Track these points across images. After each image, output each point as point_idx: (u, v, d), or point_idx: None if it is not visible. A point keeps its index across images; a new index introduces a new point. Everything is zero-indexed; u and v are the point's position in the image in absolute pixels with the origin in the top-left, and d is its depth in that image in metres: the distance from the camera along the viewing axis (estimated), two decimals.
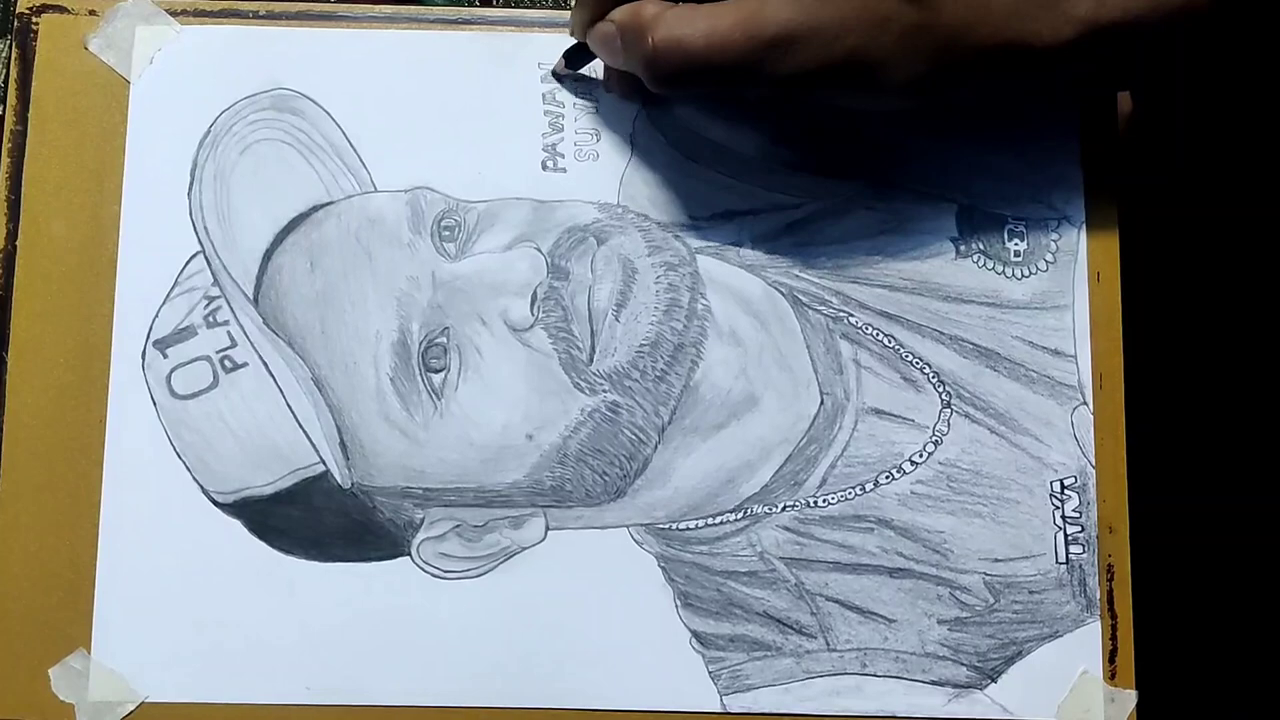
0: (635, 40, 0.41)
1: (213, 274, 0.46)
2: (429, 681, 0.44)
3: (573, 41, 0.46)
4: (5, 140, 0.46)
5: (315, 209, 0.46)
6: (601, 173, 0.47)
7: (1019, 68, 0.40)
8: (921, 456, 0.46)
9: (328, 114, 0.47)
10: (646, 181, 0.47)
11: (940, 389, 0.46)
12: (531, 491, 0.45)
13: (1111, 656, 0.45)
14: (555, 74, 0.47)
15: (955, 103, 0.45)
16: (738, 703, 0.45)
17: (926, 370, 0.46)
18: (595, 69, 0.47)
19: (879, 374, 0.46)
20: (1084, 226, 0.47)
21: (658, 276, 0.46)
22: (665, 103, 0.47)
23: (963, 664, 0.45)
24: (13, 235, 0.46)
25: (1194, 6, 0.39)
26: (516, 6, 0.54)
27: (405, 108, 0.47)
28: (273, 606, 0.44)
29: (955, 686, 0.45)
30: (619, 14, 0.42)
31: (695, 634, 0.45)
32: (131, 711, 0.44)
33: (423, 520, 0.45)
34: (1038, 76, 0.42)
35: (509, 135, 0.47)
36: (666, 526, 0.45)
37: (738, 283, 0.46)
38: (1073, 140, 0.47)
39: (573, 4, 0.44)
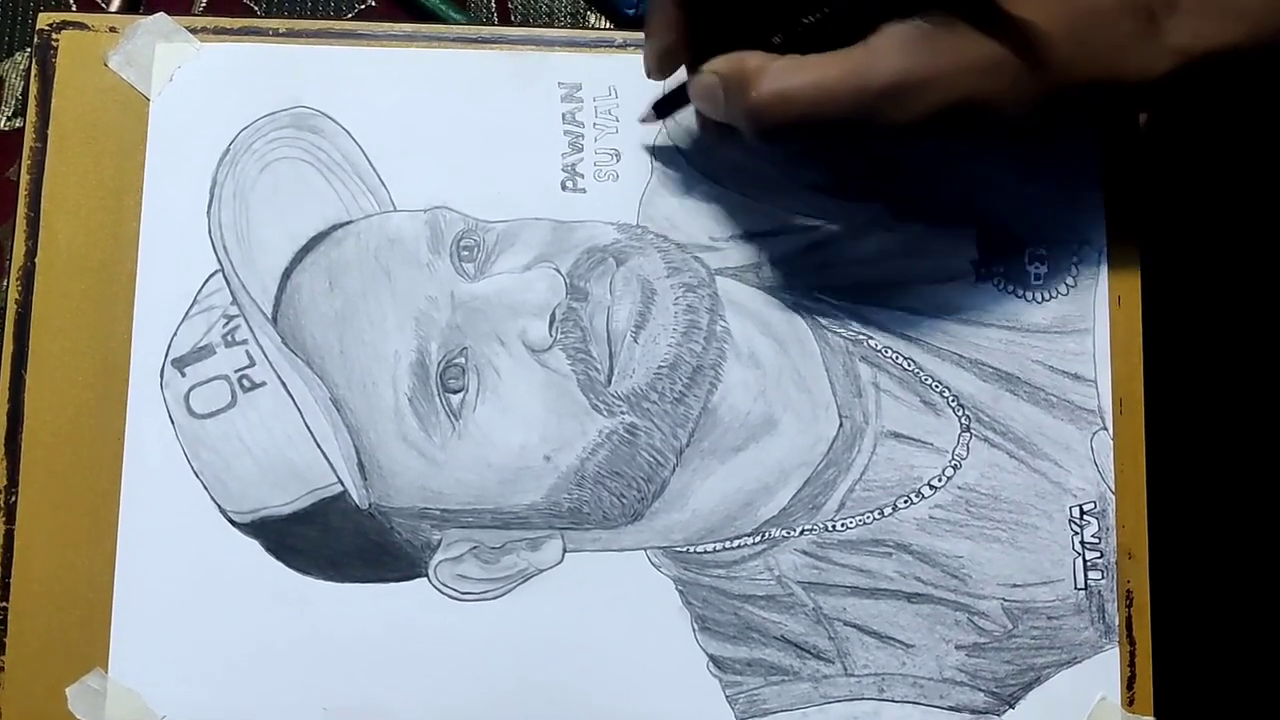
0: (738, 93, 0.40)
1: (231, 293, 0.46)
2: (445, 703, 0.44)
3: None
4: (25, 157, 0.46)
5: (334, 228, 0.46)
6: (621, 193, 0.47)
7: (1122, 99, 0.40)
8: (940, 481, 0.46)
9: (347, 132, 0.47)
10: (666, 202, 0.47)
11: (960, 413, 0.46)
12: (549, 513, 0.45)
13: (1130, 683, 0.45)
14: (642, 120, 0.46)
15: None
16: None
17: (946, 394, 0.46)
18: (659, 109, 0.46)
19: (898, 397, 0.46)
20: (1105, 250, 0.47)
21: (676, 298, 0.46)
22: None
23: (980, 690, 0.45)
24: (32, 252, 0.46)
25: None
26: (536, 25, 0.54)
27: (425, 126, 0.47)
28: (290, 627, 0.44)
29: (973, 712, 0.45)
30: (721, 65, 0.41)
31: (712, 658, 0.45)
32: None
33: (440, 541, 0.45)
34: (1140, 106, 0.42)
35: (529, 155, 0.47)
36: (684, 549, 0.45)
37: (757, 304, 0.46)
38: (1094, 164, 0.47)
39: (645, 36, 0.43)
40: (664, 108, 0.46)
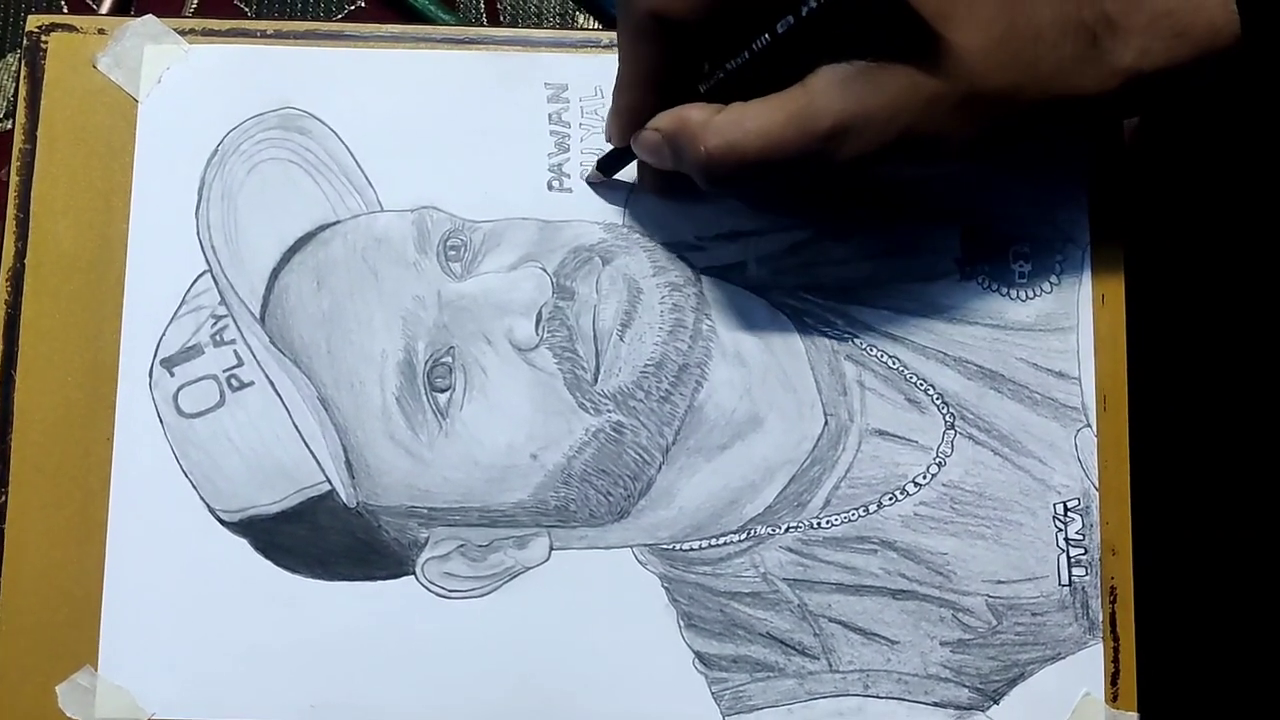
0: (687, 148, 0.40)
1: (220, 293, 0.46)
2: (432, 700, 0.45)
3: (607, 149, 0.46)
4: (14, 158, 0.47)
5: (322, 228, 0.46)
6: (607, 193, 0.47)
7: (1069, 120, 0.40)
8: (925, 478, 0.46)
9: (334, 133, 0.47)
10: (652, 202, 0.47)
11: (944, 410, 0.46)
12: (536, 511, 0.45)
13: (1114, 679, 0.45)
14: (589, 182, 0.47)
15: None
16: None
17: (930, 392, 0.46)
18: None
19: (883, 395, 0.46)
20: (1089, 248, 0.47)
21: (662, 297, 0.46)
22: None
23: (965, 686, 0.45)
24: (21, 253, 0.46)
25: (1228, 45, 0.38)
26: (523, 26, 0.54)
27: (412, 127, 0.47)
28: (278, 625, 0.45)
29: (957, 708, 0.45)
30: (664, 123, 0.41)
31: (698, 655, 0.45)
32: None
33: (427, 539, 0.45)
34: (1088, 126, 0.42)
35: (515, 155, 0.47)
36: (670, 547, 0.46)
37: (742, 303, 0.47)
38: (1078, 162, 0.47)
39: (609, 110, 0.44)
40: (609, 166, 0.46)
